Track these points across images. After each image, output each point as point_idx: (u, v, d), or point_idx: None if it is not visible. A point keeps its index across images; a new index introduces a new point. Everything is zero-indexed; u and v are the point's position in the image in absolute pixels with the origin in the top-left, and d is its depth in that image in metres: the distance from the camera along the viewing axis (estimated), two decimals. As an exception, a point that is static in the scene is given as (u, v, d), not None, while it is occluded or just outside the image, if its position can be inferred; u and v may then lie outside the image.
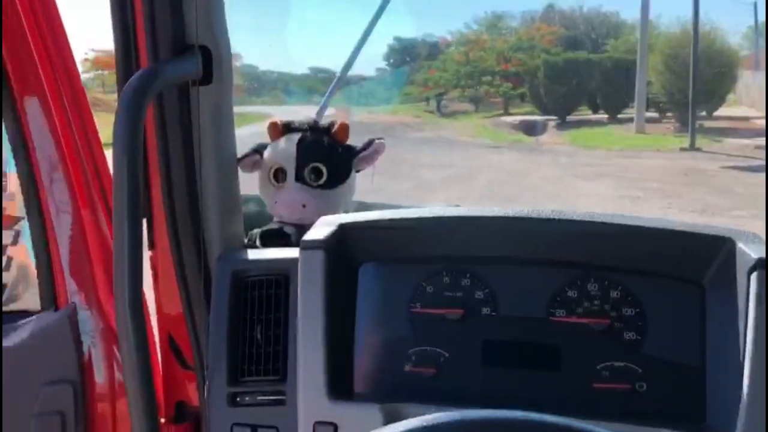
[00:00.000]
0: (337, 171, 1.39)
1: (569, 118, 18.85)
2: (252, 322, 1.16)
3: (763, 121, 16.83)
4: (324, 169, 1.38)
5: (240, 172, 1.31)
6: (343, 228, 1.10)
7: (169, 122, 1.11)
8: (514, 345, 1.07)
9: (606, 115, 18.85)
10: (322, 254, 1.06)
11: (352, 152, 1.42)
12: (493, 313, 1.08)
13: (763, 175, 9.99)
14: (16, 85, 1.29)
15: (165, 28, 1.06)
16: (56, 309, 1.35)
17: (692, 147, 13.01)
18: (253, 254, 1.22)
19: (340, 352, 1.07)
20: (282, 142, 1.40)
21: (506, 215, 1.07)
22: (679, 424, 0.96)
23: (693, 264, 1.02)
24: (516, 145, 15.27)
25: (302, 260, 1.07)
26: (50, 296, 1.36)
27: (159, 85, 1.02)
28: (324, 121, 1.48)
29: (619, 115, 18.33)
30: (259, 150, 1.41)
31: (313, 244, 1.07)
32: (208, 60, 1.10)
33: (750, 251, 0.94)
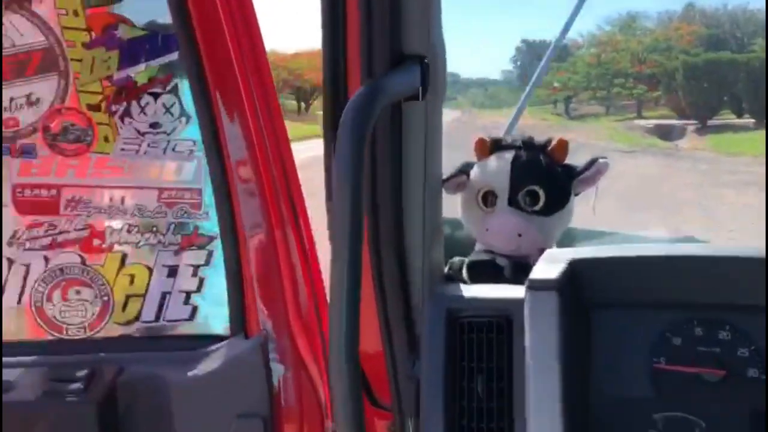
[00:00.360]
0: (556, 195, 1.23)
1: (710, 122, 17.74)
2: (471, 370, 1.02)
3: None
4: (541, 193, 1.22)
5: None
6: (574, 266, 0.97)
7: (379, 142, 0.99)
8: None
9: (752, 120, 17.55)
10: (555, 296, 0.93)
11: (572, 173, 1.25)
12: (763, 377, 0.91)
13: None
14: (215, 87, 1.25)
15: (383, 37, 0.94)
16: (246, 336, 1.32)
17: None
18: (468, 291, 1.09)
19: (576, 413, 0.94)
20: (492, 161, 1.26)
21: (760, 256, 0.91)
22: None
23: None
24: (651, 150, 14.51)
25: (531, 302, 0.94)
26: (240, 321, 1.33)
27: (382, 101, 0.89)
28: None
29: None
30: (465, 170, 1.28)
31: (545, 284, 0.94)
32: (425, 72, 0.98)
33: None
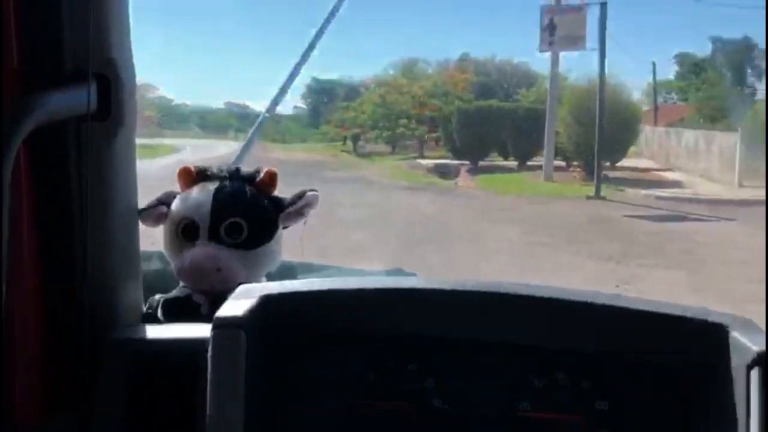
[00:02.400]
0: (261, 227, 1.18)
1: (481, 163, 19.38)
2: (153, 418, 0.92)
3: (663, 173, 17.92)
4: (245, 225, 1.16)
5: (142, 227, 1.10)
6: (266, 301, 0.89)
7: (44, 166, 0.89)
8: None
9: (516, 162, 19.51)
10: (240, 335, 0.83)
11: (279, 205, 1.21)
12: (446, 407, 0.91)
13: (665, 224, 10.54)
14: None
15: (46, 49, 0.85)
16: None
17: (597, 195, 13.57)
18: (154, 331, 0.99)
19: None
20: (195, 191, 1.19)
21: (460, 288, 0.90)
22: None
23: (675, 353, 0.87)
24: (431, 188, 15.49)
25: (215, 342, 0.84)
26: None
27: (34, 120, 0.78)
28: (246, 165, 1.27)
29: (529, 163, 19.02)
30: (165, 201, 1.19)
31: (229, 322, 0.84)
32: (106, 91, 0.90)
33: (747, 342, 0.78)
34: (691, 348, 0.86)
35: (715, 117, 23.00)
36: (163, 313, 1.14)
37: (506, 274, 6.99)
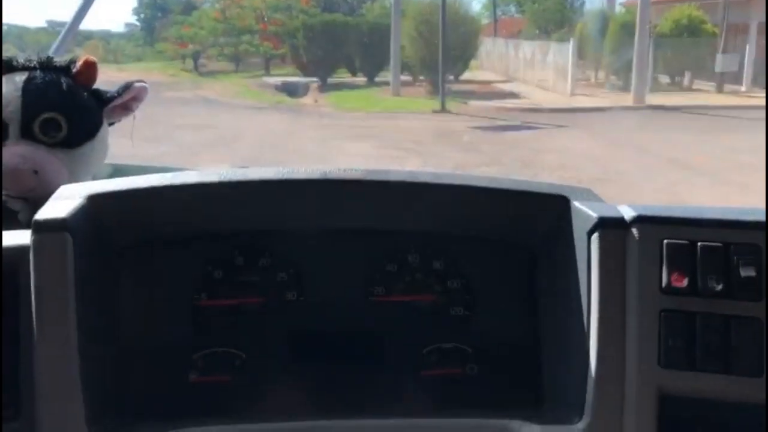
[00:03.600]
0: (82, 123, 1.07)
1: (330, 80, 19.19)
2: None
3: (504, 85, 18.69)
4: (62, 121, 1.04)
5: None
6: (93, 200, 0.81)
7: None
8: (326, 335, 0.90)
9: (364, 78, 19.50)
10: (66, 237, 0.75)
11: (102, 98, 1.10)
12: (300, 298, 0.89)
13: (505, 134, 11.06)
14: None
15: None
16: None
17: (443, 109, 13.93)
18: None
19: (100, 367, 0.79)
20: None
21: (303, 177, 0.85)
22: (514, 410, 0.83)
23: (522, 226, 0.89)
24: (279, 107, 15.13)
25: (37, 247, 0.75)
26: None
27: None
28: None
29: (377, 79, 19.08)
30: None
31: (53, 225, 0.75)
32: None
33: (588, 210, 0.81)
34: (537, 220, 0.88)
35: (549, 29, 24.15)
36: None
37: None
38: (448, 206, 0.89)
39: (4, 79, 1.05)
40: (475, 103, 14.85)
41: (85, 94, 1.09)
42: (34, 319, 0.74)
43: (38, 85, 1.05)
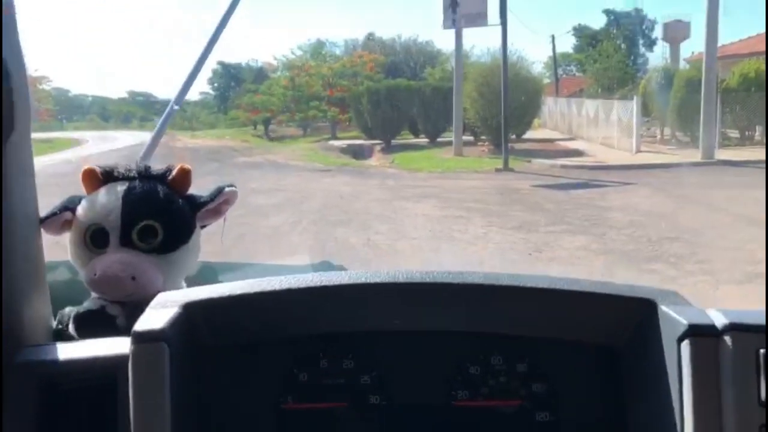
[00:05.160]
0: (177, 229, 1.10)
1: (393, 142, 19.59)
2: None
3: (567, 143, 18.65)
4: (159, 228, 1.08)
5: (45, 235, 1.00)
6: (188, 309, 0.84)
7: None
8: None
9: (426, 139, 19.83)
10: (163, 347, 0.78)
11: (195, 204, 1.13)
12: (383, 402, 0.89)
13: (570, 192, 11.01)
14: None
15: None
16: None
17: (506, 168, 13.99)
18: (66, 350, 0.88)
19: None
20: (102, 194, 1.09)
21: (387, 281, 0.87)
22: None
23: (607, 329, 0.88)
24: (345, 169, 15.51)
25: (135, 357, 0.78)
26: None
27: None
28: (154, 158, 1.18)
29: (439, 139, 19.40)
30: (69, 206, 1.09)
31: (151, 336, 0.78)
32: None
33: (676, 315, 0.79)
34: (622, 323, 0.87)
35: (612, 87, 24.09)
36: (76, 328, 1.04)
37: (423, 249, 7.15)
38: (529, 309, 0.89)
39: (105, 188, 1.10)
40: (538, 161, 14.86)
41: (180, 200, 1.12)
42: (132, 426, 0.77)
43: (138, 195, 1.08)
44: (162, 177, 1.13)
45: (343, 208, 9.90)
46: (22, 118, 0.87)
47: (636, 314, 0.85)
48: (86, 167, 1.11)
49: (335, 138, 22.20)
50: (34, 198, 0.95)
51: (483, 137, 18.17)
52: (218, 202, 1.14)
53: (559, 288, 0.86)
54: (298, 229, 8.30)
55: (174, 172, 1.13)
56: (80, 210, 1.09)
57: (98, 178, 1.11)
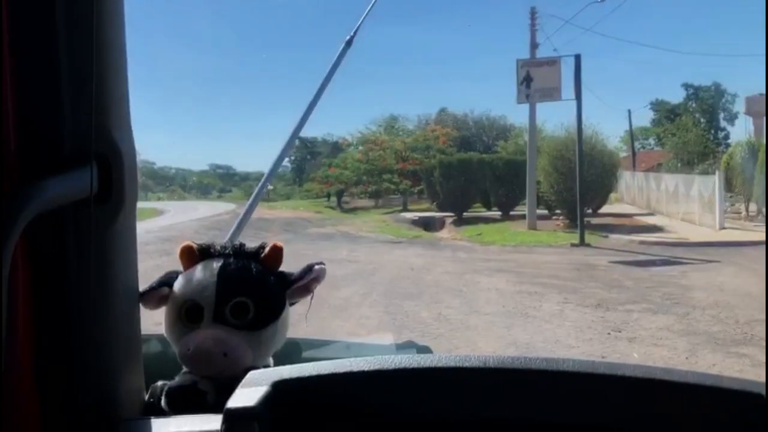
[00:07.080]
0: (268, 306, 1.12)
1: (465, 214, 19.55)
2: None
3: (645, 218, 18.13)
4: (251, 305, 1.10)
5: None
6: (278, 387, 0.85)
7: (42, 254, 0.84)
8: None
9: (499, 212, 19.70)
10: (254, 426, 0.79)
11: (286, 281, 1.14)
12: None
13: (650, 269, 10.60)
14: None
15: (45, 133, 0.81)
16: None
17: (582, 243, 13.67)
18: (161, 425, 0.91)
19: None
20: (198, 271, 1.12)
21: (481, 366, 0.85)
22: None
23: (710, 425, 0.82)
24: (416, 241, 15.52)
25: None
26: None
27: (34, 209, 0.75)
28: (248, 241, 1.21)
29: (512, 212, 19.23)
30: (167, 282, 1.12)
31: (243, 414, 0.79)
32: (107, 172, 0.86)
33: None
34: (727, 418, 0.82)
35: (691, 161, 23.47)
36: (168, 403, 1.06)
37: (496, 326, 6.96)
38: (625, 399, 0.84)
39: (202, 265, 1.13)
40: (615, 237, 14.47)
41: (272, 277, 1.14)
42: None
43: (232, 272, 1.11)
44: (255, 254, 1.15)
45: (414, 281, 9.83)
46: (130, 195, 0.90)
47: (743, 408, 0.79)
48: (184, 244, 1.15)
49: (406, 210, 22.40)
50: (135, 272, 0.97)
51: (557, 211, 17.91)
52: (308, 279, 1.15)
53: (657, 378, 0.82)
54: (368, 300, 8.27)
55: (267, 250, 1.15)
56: (177, 286, 1.12)
57: (195, 254, 1.14)
